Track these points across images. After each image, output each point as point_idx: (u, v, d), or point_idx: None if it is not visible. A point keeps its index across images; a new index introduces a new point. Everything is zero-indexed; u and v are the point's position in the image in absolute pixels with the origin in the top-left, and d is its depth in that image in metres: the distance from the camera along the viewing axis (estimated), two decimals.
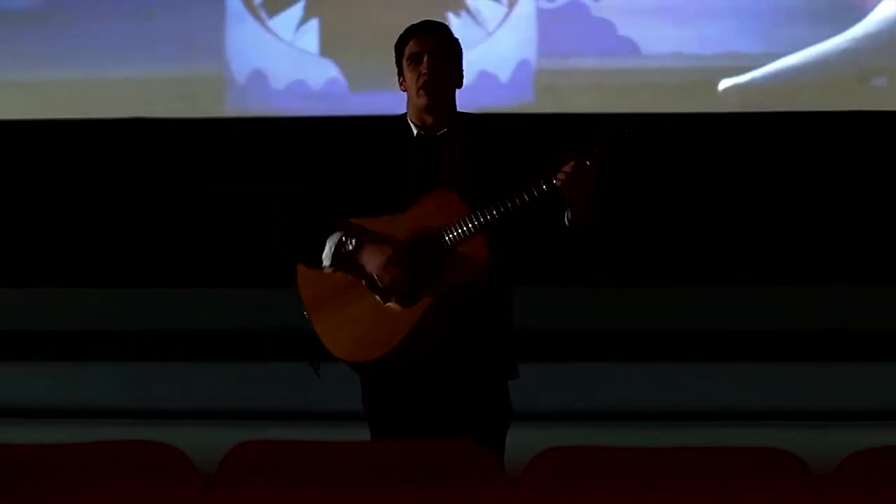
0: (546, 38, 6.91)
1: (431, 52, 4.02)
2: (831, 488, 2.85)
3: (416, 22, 4.13)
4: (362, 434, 4.05)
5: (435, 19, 4.23)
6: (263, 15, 6.98)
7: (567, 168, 3.83)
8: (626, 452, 3.01)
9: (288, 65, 6.98)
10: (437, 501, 2.89)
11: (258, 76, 6.99)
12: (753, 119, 6.93)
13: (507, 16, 6.88)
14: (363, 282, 3.93)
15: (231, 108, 7.04)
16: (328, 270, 3.94)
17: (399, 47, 4.10)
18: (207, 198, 7.02)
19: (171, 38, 7.01)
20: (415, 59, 4.02)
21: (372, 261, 3.90)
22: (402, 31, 4.13)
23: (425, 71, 4.00)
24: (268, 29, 6.97)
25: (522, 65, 6.91)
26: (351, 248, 3.93)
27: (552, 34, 6.91)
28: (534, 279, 4.19)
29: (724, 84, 6.84)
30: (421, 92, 4.01)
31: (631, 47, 6.85)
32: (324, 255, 3.93)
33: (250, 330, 6.81)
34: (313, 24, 6.97)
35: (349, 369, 4.05)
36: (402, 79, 4.09)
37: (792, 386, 6.61)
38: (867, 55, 6.82)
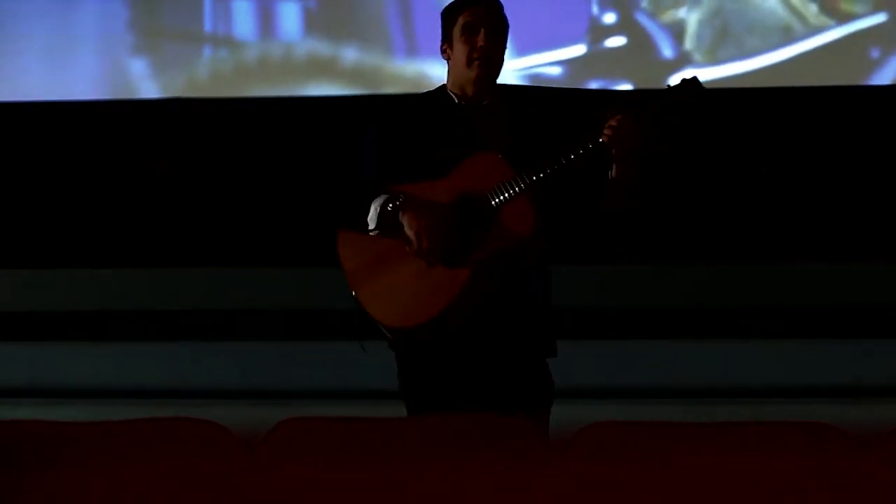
0: None
1: (488, 25, 3.98)
2: (879, 458, 2.84)
3: None
4: (404, 412, 4.05)
5: None
6: None
7: (613, 122, 3.84)
8: (671, 427, 3.00)
9: None
10: (482, 475, 2.89)
11: None
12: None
13: None
14: (408, 247, 3.89)
15: None
16: (374, 233, 3.91)
17: (450, 16, 4.03)
18: (251, 177, 7.04)
19: None
20: (470, 30, 3.98)
21: (410, 225, 3.86)
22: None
23: (482, 43, 3.96)
24: None
25: None
26: (393, 209, 3.87)
27: None
28: (575, 257, 4.18)
29: None
30: (475, 63, 3.97)
31: None
32: (369, 218, 3.89)
33: (295, 309, 6.82)
34: None
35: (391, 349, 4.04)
36: (446, 46, 4.05)
37: (829, 362, 6.58)
38: None
